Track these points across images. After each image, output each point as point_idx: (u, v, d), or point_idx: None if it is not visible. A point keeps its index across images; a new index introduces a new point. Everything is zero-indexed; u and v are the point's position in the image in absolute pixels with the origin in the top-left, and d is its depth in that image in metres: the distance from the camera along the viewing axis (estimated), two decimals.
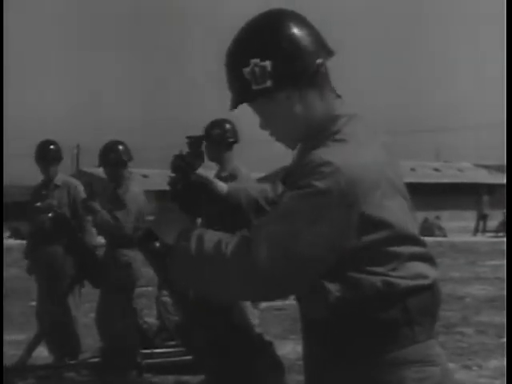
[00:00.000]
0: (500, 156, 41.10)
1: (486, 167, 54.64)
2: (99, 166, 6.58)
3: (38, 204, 6.93)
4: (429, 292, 1.93)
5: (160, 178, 39.09)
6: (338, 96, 2.05)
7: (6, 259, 18.99)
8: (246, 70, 1.96)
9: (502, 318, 8.08)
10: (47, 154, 7.17)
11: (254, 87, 1.96)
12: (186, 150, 4.29)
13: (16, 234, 36.58)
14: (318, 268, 1.82)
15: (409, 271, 1.90)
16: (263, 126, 2.06)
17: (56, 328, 6.97)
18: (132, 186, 6.49)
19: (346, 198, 1.80)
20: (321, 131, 1.96)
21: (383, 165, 1.92)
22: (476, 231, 32.51)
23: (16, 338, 8.38)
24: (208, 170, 5.28)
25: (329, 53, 2.04)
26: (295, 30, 1.98)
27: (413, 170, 49.68)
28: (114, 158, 6.40)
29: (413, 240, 1.92)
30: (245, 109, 2.09)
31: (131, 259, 6.32)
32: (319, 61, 1.98)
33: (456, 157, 58.92)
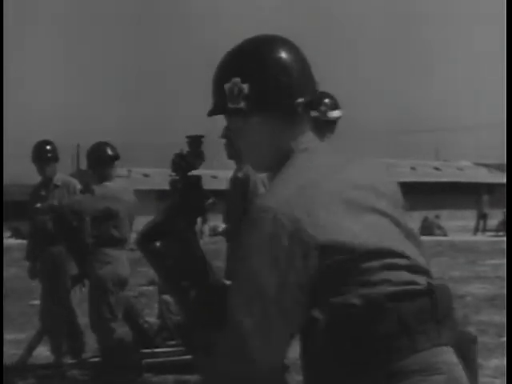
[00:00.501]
0: (500, 155, 41.10)
1: (486, 166, 54.63)
2: (88, 167, 6.63)
3: (38, 205, 6.94)
4: (425, 298, 1.85)
5: (161, 177, 39.12)
6: (315, 133, 2.07)
7: (6, 259, 19.00)
8: (227, 85, 2.00)
9: (502, 317, 8.08)
10: (43, 154, 7.19)
11: (230, 105, 2.00)
12: (186, 149, 4.29)
13: (16, 234, 36.60)
14: (298, 311, 1.83)
15: (390, 280, 1.84)
16: (235, 142, 2.11)
17: (59, 327, 6.98)
18: (118, 182, 6.52)
19: (294, 237, 1.80)
20: (280, 165, 1.98)
21: (340, 191, 1.89)
22: (476, 230, 32.53)
23: (16, 337, 8.38)
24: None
25: (313, 92, 2.06)
26: (285, 63, 2.00)
27: (413, 168, 49.71)
28: (101, 157, 6.44)
29: (390, 253, 1.86)
30: None
31: (112, 258, 6.31)
32: (300, 100, 2.00)
33: (456, 156, 58.94)
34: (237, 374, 1.86)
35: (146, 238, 5.34)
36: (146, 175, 51.58)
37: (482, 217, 32.74)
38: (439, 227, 32.33)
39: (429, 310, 1.85)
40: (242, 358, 1.83)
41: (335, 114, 5.29)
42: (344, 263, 1.81)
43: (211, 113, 2.08)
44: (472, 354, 1.97)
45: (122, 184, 6.71)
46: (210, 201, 5.54)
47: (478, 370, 2.01)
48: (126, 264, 6.46)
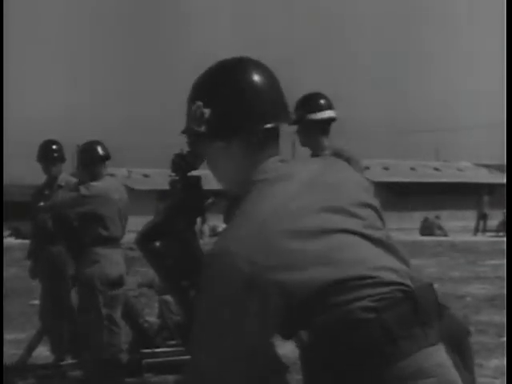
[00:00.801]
0: (500, 155, 41.10)
1: (486, 167, 54.61)
2: (78, 166, 6.63)
3: (41, 204, 6.94)
4: (405, 303, 1.83)
5: (161, 177, 39.11)
6: (282, 159, 2.01)
7: (6, 258, 19.00)
8: (192, 107, 2.02)
9: (502, 318, 8.09)
10: (49, 154, 7.20)
11: (193, 127, 2.02)
12: (186, 149, 4.30)
13: (16, 234, 36.61)
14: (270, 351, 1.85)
15: (366, 296, 1.81)
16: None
17: (59, 327, 6.98)
18: (108, 180, 6.52)
19: (253, 280, 1.78)
20: (242, 195, 1.95)
21: (297, 223, 1.84)
22: (476, 231, 32.53)
23: (16, 337, 8.39)
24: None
25: (285, 118, 2.03)
26: (249, 90, 1.98)
27: (413, 169, 49.70)
28: (91, 157, 6.45)
29: (358, 278, 1.82)
30: None
31: (101, 257, 6.30)
32: (264, 126, 1.97)
33: (456, 156, 58.93)
34: None
35: (146, 238, 5.35)
36: (146, 175, 51.59)
37: (482, 217, 32.74)
38: (439, 227, 32.34)
39: (411, 315, 1.82)
40: None
41: (326, 114, 5.28)
42: (310, 299, 1.79)
43: (182, 132, 2.10)
44: (466, 346, 1.96)
45: (113, 182, 6.67)
46: (210, 201, 5.55)
47: (474, 362, 2.00)
48: (119, 263, 6.42)
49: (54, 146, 7.24)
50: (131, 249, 7.59)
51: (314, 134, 5.28)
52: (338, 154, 5.16)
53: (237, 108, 1.97)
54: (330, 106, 5.33)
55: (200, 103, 2.00)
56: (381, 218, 2.01)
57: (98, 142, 6.54)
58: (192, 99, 2.03)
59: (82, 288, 6.34)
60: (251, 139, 1.97)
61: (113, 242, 6.41)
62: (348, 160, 5.10)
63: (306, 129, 5.27)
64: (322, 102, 5.30)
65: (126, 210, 6.58)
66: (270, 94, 2.00)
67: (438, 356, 1.85)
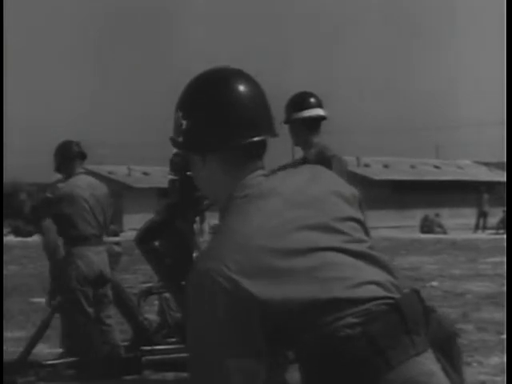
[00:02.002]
0: (500, 153, 41.10)
1: (486, 164, 54.61)
2: (55, 170, 6.64)
3: (49, 195, 6.92)
4: (391, 313, 1.82)
5: (160, 175, 39.12)
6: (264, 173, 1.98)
7: (7, 257, 19.00)
8: (175, 116, 2.00)
9: (503, 315, 8.08)
10: (72, 153, 7.14)
11: (173, 135, 2.01)
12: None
13: (16, 232, 36.61)
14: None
15: (350, 314, 1.81)
16: None
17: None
18: (78, 178, 6.51)
19: (236, 299, 1.75)
20: (223, 211, 1.94)
21: (278, 241, 1.82)
22: (476, 228, 32.57)
23: (16, 335, 8.38)
24: None
25: (268, 132, 1.99)
26: (231, 105, 1.94)
27: (413, 167, 49.69)
28: (63, 156, 6.48)
29: (340, 300, 1.81)
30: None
31: (75, 257, 6.28)
32: (237, 142, 1.93)
33: (456, 154, 58.94)
34: None
35: (145, 238, 5.35)
36: (145, 173, 51.56)
37: (482, 215, 32.78)
38: (439, 225, 32.37)
39: (397, 325, 1.82)
40: None
41: (314, 112, 5.27)
42: (294, 318, 1.78)
43: (169, 138, 2.08)
44: (453, 348, 1.96)
45: (85, 180, 6.62)
46: (208, 200, 5.53)
47: (462, 363, 1.99)
48: (94, 261, 6.38)
49: (76, 147, 7.15)
50: (116, 243, 7.59)
51: (303, 132, 5.27)
52: (322, 152, 5.16)
53: (214, 123, 1.93)
54: (318, 105, 5.32)
55: (180, 113, 1.98)
56: (365, 229, 1.99)
57: (70, 142, 6.57)
58: (176, 107, 2.01)
59: (64, 291, 6.32)
60: (229, 155, 1.94)
61: (86, 240, 6.34)
62: (332, 158, 5.11)
63: (295, 127, 5.26)
64: (310, 100, 5.30)
65: (104, 205, 6.52)
66: (251, 108, 1.96)
67: (427, 363, 1.84)
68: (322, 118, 5.35)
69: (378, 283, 1.86)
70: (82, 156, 6.56)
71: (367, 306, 1.81)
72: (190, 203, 5.10)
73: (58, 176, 7.28)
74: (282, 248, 1.81)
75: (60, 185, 6.38)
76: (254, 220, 1.83)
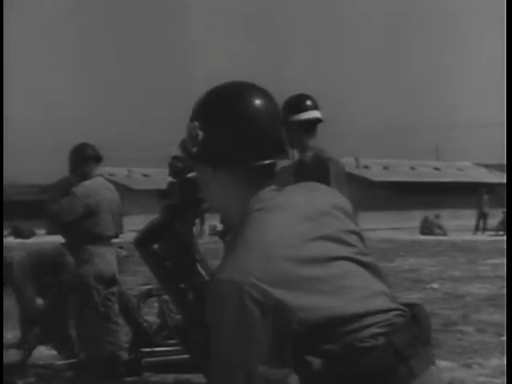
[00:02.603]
0: (500, 155, 41.12)
1: (486, 166, 54.62)
2: (70, 172, 6.66)
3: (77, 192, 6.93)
4: (411, 324, 1.87)
5: (160, 177, 39.11)
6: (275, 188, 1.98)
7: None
8: (190, 125, 1.98)
9: (502, 317, 8.09)
10: (87, 155, 7.12)
11: (186, 144, 1.99)
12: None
13: (16, 233, 36.60)
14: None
15: (374, 324, 1.83)
16: None
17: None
18: (98, 180, 6.54)
19: (265, 306, 1.75)
20: (237, 223, 1.93)
21: (296, 252, 1.83)
22: (476, 230, 32.55)
23: (16, 336, 8.38)
24: None
25: (281, 155, 1.98)
26: (249, 124, 1.93)
27: (413, 168, 49.68)
28: (80, 159, 6.49)
29: (362, 313, 1.83)
30: None
31: (94, 255, 6.32)
32: (251, 162, 1.92)
33: (456, 156, 58.98)
34: None
35: (144, 240, 5.34)
36: (145, 175, 51.57)
37: (482, 216, 32.76)
38: (439, 227, 32.36)
39: (417, 334, 1.86)
40: None
41: (310, 114, 5.25)
42: (320, 326, 1.79)
43: (179, 145, 2.07)
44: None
45: (103, 182, 6.70)
46: (208, 203, 5.51)
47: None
48: (112, 261, 6.44)
49: (90, 150, 7.12)
50: (121, 247, 7.62)
51: (299, 135, 5.24)
52: (318, 155, 5.15)
53: (231, 140, 1.91)
54: (314, 107, 5.28)
55: (196, 123, 1.95)
56: (364, 244, 2.01)
57: (86, 144, 6.59)
58: (191, 117, 1.99)
59: (78, 288, 6.33)
60: (242, 172, 1.93)
61: (105, 240, 6.41)
62: (328, 160, 5.10)
63: (292, 130, 5.22)
64: (307, 102, 5.26)
65: (119, 209, 6.60)
66: (270, 130, 1.95)
67: (439, 374, 1.93)
68: (318, 121, 5.34)
69: (385, 294, 1.91)
70: (98, 159, 6.59)
71: (388, 316, 1.85)
72: (189, 205, 5.10)
73: (56, 178, 7.28)
74: (303, 257, 1.82)
75: (85, 183, 6.42)
76: (273, 231, 1.84)
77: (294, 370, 1.84)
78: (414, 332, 1.86)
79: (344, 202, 2.04)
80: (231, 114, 1.93)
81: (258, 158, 1.93)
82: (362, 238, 2.00)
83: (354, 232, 1.97)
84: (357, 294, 1.85)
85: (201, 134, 1.94)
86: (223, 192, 1.97)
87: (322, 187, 2.06)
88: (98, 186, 6.47)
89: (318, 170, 5.00)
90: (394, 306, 1.89)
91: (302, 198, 1.96)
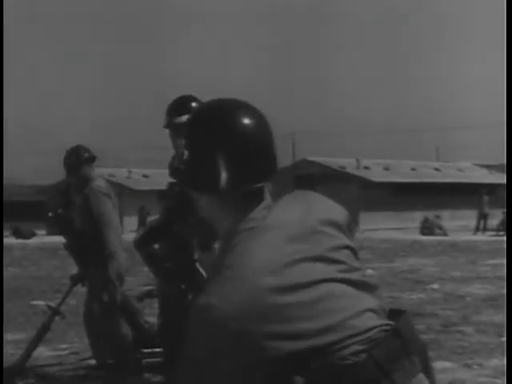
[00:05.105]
0: (500, 155, 41.12)
1: (486, 167, 54.64)
2: (67, 176, 6.69)
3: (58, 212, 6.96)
4: (393, 338, 1.84)
5: (161, 177, 39.13)
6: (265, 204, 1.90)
7: (7, 258, 19.00)
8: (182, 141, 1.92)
9: (503, 317, 8.09)
10: (83, 157, 7.13)
11: (176, 162, 1.96)
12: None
13: (16, 234, 36.63)
14: None
15: (354, 343, 1.81)
16: None
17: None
18: (93, 184, 6.56)
19: (240, 337, 1.73)
20: (226, 243, 1.88)
21: (282, 277, 1.79)
22: (476, 230, 32.54)
23: (16, 337, 8.39)
24: None
25: (270, 177, 1.89)
26: (236, 149, 1.83)
27: (413, 169, 49.69)
28: (76, 159, 6.51)
29: (344, 328, 1.81)
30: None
31: (113, 253, 6.37)
32: (242, 189, 1.84)
33: (456, 156, 58.99)
34: None
35: (145, 241, 5.34)
36: (145, 176, 51.60)
37: (483, 217, 32.76)
38: (440, 227, 32.36)
39: (399, 348, 1.84)
40: None
41: None
42: (301, 350, 1.77)
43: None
44: (427, 357, 2.02)
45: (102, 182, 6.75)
46: None
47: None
48: (124, 259, 6.53)
49: (86, 153, 7.11)
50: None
51: (181, 137, 5.11)
52: None
53: (216, 165, 1.82)
54: None
55: (183, 141, 1.88)
56: (356, 254, 1.98)
57: (79, 147, 6.63)
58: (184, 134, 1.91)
59: (103, 286, 6.38)
60: (230, 197, 1.86)
61: (119, 238, 6.51)
62: None
63: (174, 133, 5.05)
64: (191, 105, 5.11)
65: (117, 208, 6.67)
66: (259, 153, 1.85)
67: (424, 380, 1.89)
68: None
69: (373, 310, 1.89)
70: (93, 159, 6.62)
71: (369, 334, 1.83)
72: (189, 207, 5.10)
73: (56, 179, 7.29)
74: (285, 284, 1.78)
75: (100, 184, 6.47)
76: (258, 256, 1.79)
77: None
78: (394, 345, 1.83)
79: (339, 214, 1.98)
80: (217, 136, 1.83)
81: (246, 183, 1.84)
82: (354, 252, 1.96)
83: (345, 247, 1.93)
84: (338, 316, 1.82)
85: (186, 154, 1.86)
86: (212, 212, 1.91)
87: (317, 198, 2.00)
88: (106, 187, 6.58)
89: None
90: (377, 322, 1.86)
91: (295, 215, 1.90)
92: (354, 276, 1.91)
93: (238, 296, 1.74)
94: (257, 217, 1.86)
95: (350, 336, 1.80)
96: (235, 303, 1.73)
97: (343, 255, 1.91)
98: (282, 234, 1.85)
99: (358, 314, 1.85)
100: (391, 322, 1.88)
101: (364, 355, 1.79)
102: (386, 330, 1.85)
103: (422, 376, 1.88)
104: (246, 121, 1.85)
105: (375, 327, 1.85)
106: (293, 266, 1.81)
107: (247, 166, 1.84)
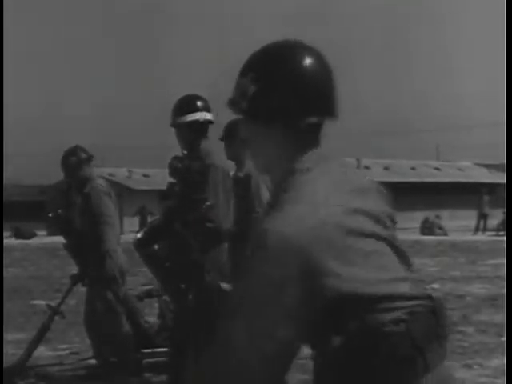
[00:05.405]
0: (500, 155, 41.08)
1: (486, 166, 54.62)
2: (67, 177, 6.71)
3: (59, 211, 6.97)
4: (430, 316, 1.86)
5: (161, 177, 39.13)
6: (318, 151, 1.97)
7: (7, 259, 19.01)
8: (240, 79, 1.95)
9: (503, 317, 8.09)
10: (81, 158, 7.13)
11: (236, 99, 1.96)
12: (184, 152, 4.22)
13: (17, 234, 36.62)
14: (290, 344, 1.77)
15: (397, 308, 1.83)
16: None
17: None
18: (95, 183, 6.58)
19: (303, 269, 1.74)
20: (282, 181, 1.91)
21: (341, 220, 1.82)
22: (476, 230, 32.53)
23: (16, 337, 8.39)
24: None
25: (332, 114, 1.96)
26: (302, 77, 1.90)
27: (413, 169, 49.69)
28: (75, 160, 6.52)
29: (385, 298, 1.83)
30: None
31: (113, 252, 6.38)
32: (302, 119, 1.90)
33: (456, 156, 58.96)
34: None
35: (145, 242, 5.33)
36: (145, 175, 51.58)
37: (483, 217, 32.75)
38: (440, 227, 32.35)
39: (433, 328, 1.85)
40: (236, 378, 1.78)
41: (197, 116, 5.14)
42: (352, 297, 1.78)
43: (226, 103, 2.02)
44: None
45: (102, 181, 6.77)
46: (208, 203, 5.51)
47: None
48: (124, 258, 6.56)
49: (84, 154, 7.10)
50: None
51: (188, 136, 5.12)
52: (203, 159, 5.03)
53: (284, 94, 1.89)
54: (204, 108, 5.17)
55: (248, 78, 1.92)
56: (394, 229, 2.02)
57: (76, 147, 6.65)
58: (241, 72, 1.95)
59: (105, 282, 6.39)
60: (293, 129, 1.90)
61: (117, 237, 6.55)
62: (208, 167, 4.97)
63: (181, 132, 5.12)
64: (196, 103, 5.15)
65: (110, 209, 6.68)
66: (321, 87, 1.93)
67: (450, 369, 1.91)
68: (208, 123, 5.21)
69: (408, 281, 1.91)
70: (90, 159, 6.63)
71: (412, 303, 1.84)
72: (189, 206, 5.09)
73: (56, 179, 7.30)
74: (348, 226, 1.81)
75: (100, 181, 6.51)
76: (322, 193, 1.83)
77: (312, 345, 1.84)
78: (431, 325, 1.85)
79: (382, 188, 2.03)
80: (285, 68, 1.90)
81: (309, 114, 1.90)
82: (395, 224, 2.00)
83: (389, 216, 1.97)
84: (389, 275, 1.84)
85: (253, 88, 1.91)
86: (270, 149, 1.94)
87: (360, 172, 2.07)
88: (108, 186, 6.61)
89: (196, 177, 4.91)
90: (417, 294, 1.87)
91: (342, 171, 1.96)
92: (397, 243, 1.94)
93: (302, 226, 1.76)
94: (313, 159, 1.91)
95: (395, 299, 1.82)
96: (299, 232, 1.75)
97: (388, 221, 1.96)
98: (339, 182, 1.90)
99: (403, 279, 1.88)
100: (429, 301, 1.89)
101: (403, 326, 1.80)
102: (423, 306, 1.86)
103: (448, 363, 1.88)
104: (314, 59, 1.93)
105: (418, 298, 1.86)
106: (352, 213, 1.84)
107: (311, 98, 1.90)
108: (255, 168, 2.08)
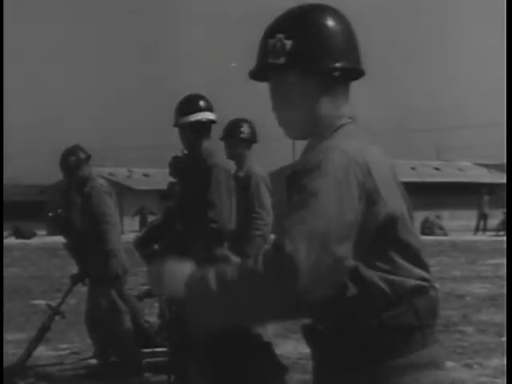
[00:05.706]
0: (500, 155, 41.10)
1: (486, 166, 54.60)
2: (66, 177, 6.72)
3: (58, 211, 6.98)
4: (433, 295, 1.94)
5: (161, 177, 39.13)
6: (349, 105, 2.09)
7: (7, 259, 19.01)
8: (271, 41, 2.03)
9: (503, 317, 8.08)
10: (80, 157, 7.12)
11: (270, 60, 2.02)
12: (184, 151, 4.23)
13: (17, 234, 36.62)
14: (348, 250, 1.81)
15: (411, 272, 1.90)
16: (273, 107, 2.10)
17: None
18: (95, 183, 6.59)
19: (363, 186, 1.85)
20: (323, 130, 2.00)
21: (383, 162, 2.00)
22: (476, 230, 32.54)
23: (16, 337, 8.39)
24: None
25: (359, 63, 2.08)
26: (330, 28, 2.03)
27: (413, 169, 49.67)
28: (75, 160, 6.53)
29: (412, 235, 1.98)
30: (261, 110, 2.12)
31: (117, 252, 6.41)
32: (338, 64, 2.01)
33: (456, 156, 58.89)
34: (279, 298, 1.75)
35: (145, 241, 5.34)
36: (145, 175, 51.58)
37: (483, 217, 32.75)
38: (440, 227, 32.37)
39: (435, 308, 1.94)
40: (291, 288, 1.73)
41: (199, 116, 5.15)
42: (389, 226, 1.92)
43: (252, 73, 2.09)
44: None
45: (102, 180, 6.79)
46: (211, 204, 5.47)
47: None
48: (125, 257, 6.59)
49: (82, 154, 7.04)
50: None
51: (191, 136, 5.13)
52: (205, 160, 5.03)
53: (317, 42, 2.00)
54: (207, 108, 5.18)
55: (281, 35, 2.01)
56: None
57: (74, 147, 6.66)
58: (269, 35, 2.04)
59: (108, 281, 6.40)
60: (326, 77, 2.01)
61: (119, 236, 6.57)
62: (211, 167, 4.99)
63: (184, 132, 5.13)
64: (199, 103, 5.16)
65: (111, 206, 6.69)
66: (348, 38, 2.05)
67: (442, 352, 1.97)
68: (211, 122, 5.21)
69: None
70: (89, 158, 6.64)
71: (422, 273, 1.94)
72: (189, 206, 5.09)
73: (56, 179, 7.31)
74: (391, 169, 2.05)
75: (102, 182, 6.53)
76: (368, 145, 2.01)
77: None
78: (433, 304, 1.94)
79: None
80: (314, 19, 2.03)
81: (342, 59, 2.01)
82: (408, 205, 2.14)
83: (405, 195, 2.13)
84: (417, 239, 2.00)
85: (288, 42, 2.00)
86: (307, 101, 2.02)
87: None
88: (108, 186, 6.63)
89: (199, 177, 4.90)
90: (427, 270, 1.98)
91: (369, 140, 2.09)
92: (412, 222, 2.08)
93: (361, 155, 1.90)
94: (350, 110, 2.06)
95: (417, 264, 1.92)
96: (361, 156, 1.90)
97: (407, 201, 2.14)
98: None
99: (422, 250, 1.99)
100: (432, 281, 1.97)
101: (411, 297, 1.88)
102: (428, 281, 1.94)
103: (439, 345, 1.96)
104: (338, 16, 2.07)
105: (427, 271, 1.96)
106: (391, 177, 2.03)
107: (342, 47, 2.03)
108: (287, 132, 2.13)
